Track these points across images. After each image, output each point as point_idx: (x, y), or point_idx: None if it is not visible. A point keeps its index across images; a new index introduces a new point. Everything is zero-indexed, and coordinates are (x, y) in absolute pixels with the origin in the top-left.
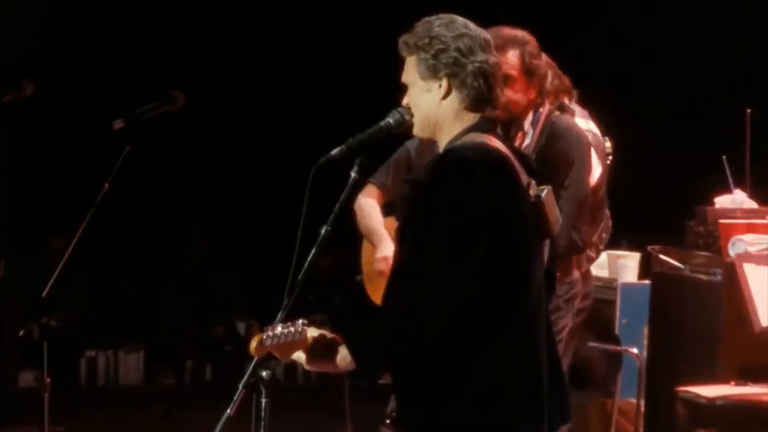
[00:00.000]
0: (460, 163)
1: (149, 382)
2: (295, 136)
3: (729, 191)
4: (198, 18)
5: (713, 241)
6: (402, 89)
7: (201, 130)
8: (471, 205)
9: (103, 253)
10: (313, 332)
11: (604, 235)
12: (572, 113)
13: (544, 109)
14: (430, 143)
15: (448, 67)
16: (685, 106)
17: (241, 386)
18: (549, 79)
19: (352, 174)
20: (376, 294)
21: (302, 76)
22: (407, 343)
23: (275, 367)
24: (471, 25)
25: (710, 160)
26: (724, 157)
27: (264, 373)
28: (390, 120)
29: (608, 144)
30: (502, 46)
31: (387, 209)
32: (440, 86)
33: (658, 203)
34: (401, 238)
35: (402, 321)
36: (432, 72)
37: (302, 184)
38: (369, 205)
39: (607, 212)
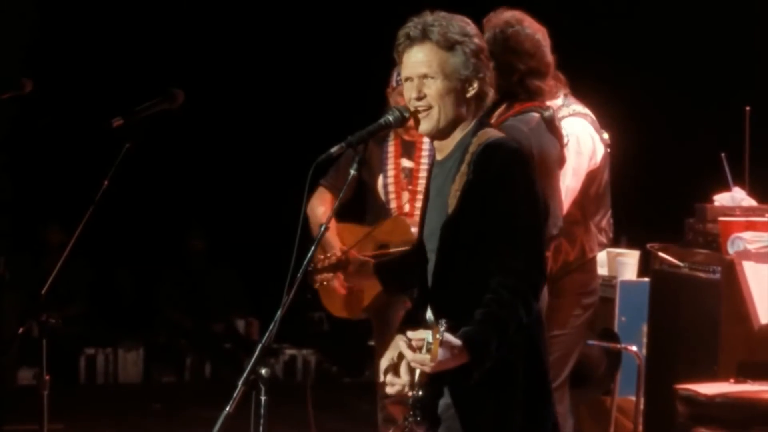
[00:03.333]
0: (517, 160)
1: (149, 380)
2: (294, 134)
3: (728, 189)
4: (198, 15)
5: (712, 238)
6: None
7: (200, 128)
8: (532, 193)
9: (102, 250)
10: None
11: (612, 221)
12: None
13: (516, 107)
14: (378, 143)
15: (483, 68)
16: (684, 103)
17: (240, 384)
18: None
19: (351, 171)
20: (330, 302)
21: (302, 72)
22: (516, 325)
23: (274, 365)
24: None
25: (709, 158)
26: (723, 154)
27: (263, 371)
28: (389, 117)
29: (605, 136)
30: (484, 31)
31: (344, 214)
32: (473, 87)
33: (657, 201)
34: (449, 227)
35: (516, 306)
36: (471, 71)
37: (301, 181)
38: (320, 213)
39: None
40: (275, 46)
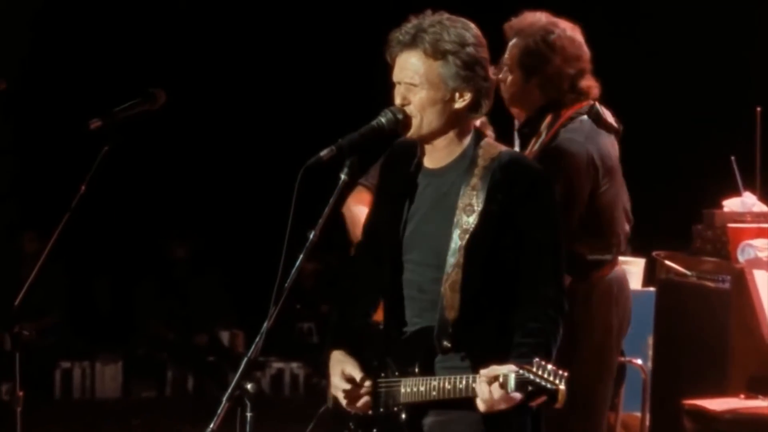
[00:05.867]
0: (547, 178)
1: (128, 395)
2: (282, 136)
3: (738, 194)
4: (178, 14)
5: (721, 246)
6: (393, 86)
7: (182, 130)
8: (559, 215)
9: (79, 258)
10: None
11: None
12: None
13: (564, 115)
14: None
15: (478, 80)
16: (693, 105)
17: (224, 399)
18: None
19: (342, 176)
20: None
21: (289, 71)
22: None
23: (260, 379)
24: (476, 27)
25: (718, 161)
26: (733, 157)
27: (249, 386)
28: (382, 119)
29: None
30: (511, 36)
31: None
32: (462, 98)
33: (663, 206)
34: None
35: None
36: (462, 82)
37: (289, 186)
38: (361, 213)
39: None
40: (260, 44)
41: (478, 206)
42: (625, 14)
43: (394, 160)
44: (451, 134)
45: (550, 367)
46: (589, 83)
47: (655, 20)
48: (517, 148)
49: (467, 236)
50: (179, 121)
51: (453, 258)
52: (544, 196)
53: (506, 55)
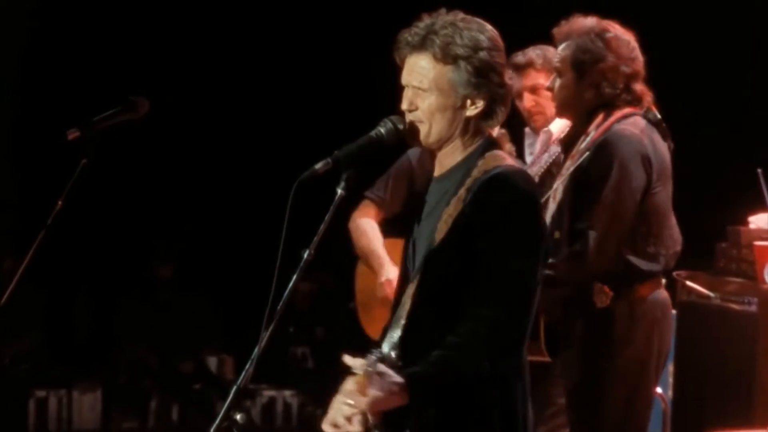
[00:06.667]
0: (524, 202)
1: (107, 426)
2: (274, 148)
3: (765, 209)
4: (162, 21)
5: (747, 265)
6: (398, 90)
7: (166, 140)
8: (534, 240)
9: (56, 278)
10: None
11: (669, 245)
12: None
13: (616, 114)
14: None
15: (490, 86)
16: (716, 115)
17: (212, 431)
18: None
19: (339, 191)
20: (371, 325)
21: (280, 75)
22: (473, 376)
23: (251, 408)
24: (493, 29)
25: (744, 174)
26: (759, 170)
27: (238, 416)
28: (381, 130)
29: None
30: (562, 39)
31: (386, 228)
32: (474, 105)
33: (684, 222)
34: (434, 257)
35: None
36: (474, 89)
37: (282, 201)
38: (367, 225)
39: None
40: (250, 50)
41: (451, 218)
42: (646, 19)
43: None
44: (458, 142)
45: (374, 360)
46: (643, 89)
47: (678, 27)
48: (528, 160)
49: (431, 248)
50: (163, 130)
51: (416, 269)
52: (514, 217)
53: (555, 60)
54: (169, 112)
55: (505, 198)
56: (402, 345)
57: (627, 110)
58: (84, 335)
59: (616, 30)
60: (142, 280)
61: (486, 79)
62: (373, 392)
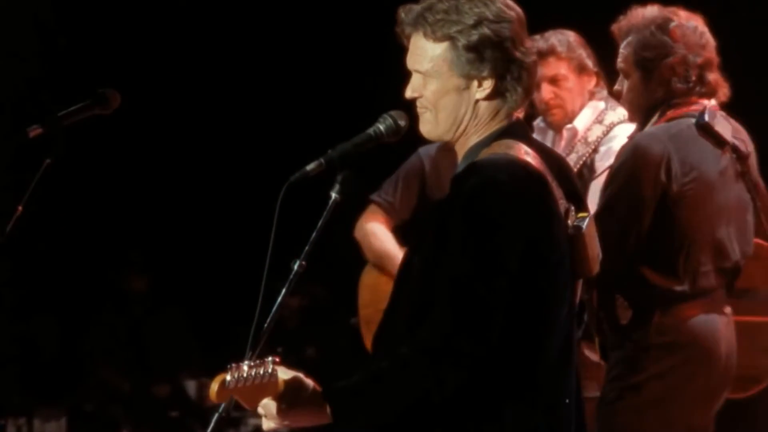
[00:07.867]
0: (491, 192)
1: None
2: (261, 147)
3: None
4: (139, 14)
5: None
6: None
7: (141, 136)
8: (502, 242)
9: (16, 294)
10: (284, 374)
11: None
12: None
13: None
14: (449, 150)
15: (497, 63)
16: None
17: None
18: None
19: (333, 195)
20: None
21: (268, 69)
22: (415, 399)
23: None
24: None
25: None
26: None
27: None
28: (380, 127)
29: None
30: (623, 36)
31: (397, 236)
32: (481, 86)
33: None
34: (405, 267)
35: (418, 368)
36: (474, 67)
37: (270, 206)
38: (377, 228)
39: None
40: (232, 44)
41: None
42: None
43: None
44: (471, 129)
45: (262, 369)
46: (717, 79)
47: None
48: None
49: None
50: (137, 126)
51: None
52: (482, 210)
53: (619, 60)
54: (143, 107)
55: (471, 191)
56: (373, 355)
57: (682, 111)
58: (48, 356)
59: (680, 17)
60: (112, 294)
61: (491, 55)
62: (287, 402)
